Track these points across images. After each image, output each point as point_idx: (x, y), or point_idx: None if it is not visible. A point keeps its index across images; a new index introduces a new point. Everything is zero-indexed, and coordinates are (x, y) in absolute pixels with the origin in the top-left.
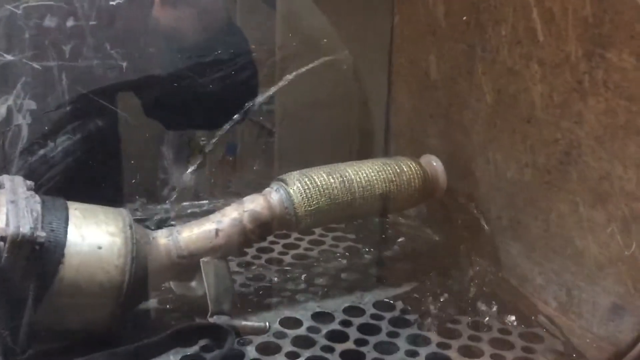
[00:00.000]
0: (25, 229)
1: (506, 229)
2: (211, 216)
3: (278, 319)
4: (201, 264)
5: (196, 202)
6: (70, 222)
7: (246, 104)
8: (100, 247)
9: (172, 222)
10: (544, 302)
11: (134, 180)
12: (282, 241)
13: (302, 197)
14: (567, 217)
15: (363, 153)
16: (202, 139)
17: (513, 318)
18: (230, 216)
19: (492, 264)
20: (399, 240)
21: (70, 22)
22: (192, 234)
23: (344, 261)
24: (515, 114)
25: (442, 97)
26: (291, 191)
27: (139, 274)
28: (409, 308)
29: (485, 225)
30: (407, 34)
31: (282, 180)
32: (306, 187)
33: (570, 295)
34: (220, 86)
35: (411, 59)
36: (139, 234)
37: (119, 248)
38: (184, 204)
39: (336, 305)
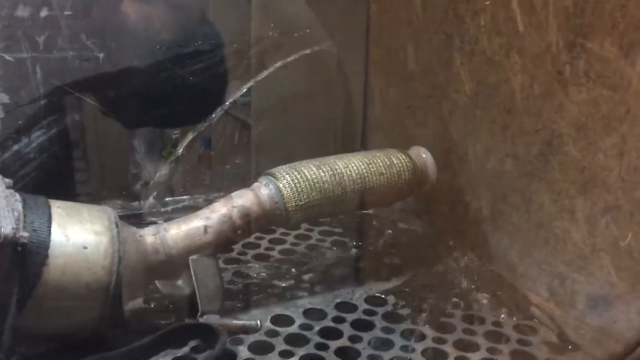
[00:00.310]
0: (7, 229)
1: (489, 220)
2: (199, 212)
3: (269, 317)
4: (190, 262)
5: (178, 198)
6: (53, 222)
7: (218, 101)
8: (85, 247)
9: (152, 219)
10: (536, 293)
11: (111, 176)
12: (268, 236)
13: (292, 192)
14: (550, 208)
15: (341, 145)
16: (175, 132)
17: (506, 310)
18: (219, 212)
19: (479, 255)
20: (386, 233)
21: (44, 12)
22: (180, 231)
23: (332, 256)
24: (495, 104)
25: (420, 88)
26: (281, 185)
27: (126, 274)
28: (401, 302)
29: (469, 217)
30: (384, 24)
31: (271, 174)
32: (296, 181)
33: (561, 286)
34: (186, 83)
35: (388, 50)
36: (125, 233)
37: (105, 248)
38: (165, 199)
39: (327, 301)
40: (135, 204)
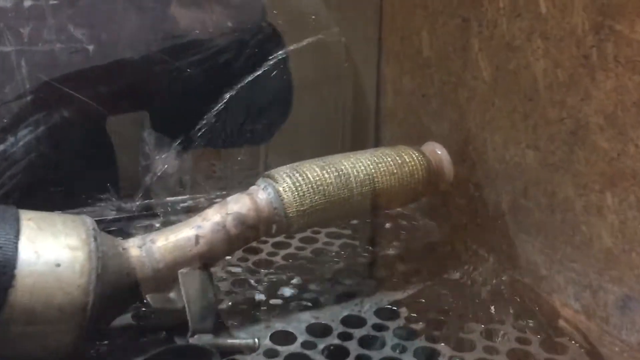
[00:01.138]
0: None
1: (509, 216)
2: (190, 220)
3: (269, 334)
4: (179, 276)
5: (178, 198)
6: (22, 236)
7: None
8: (58, 265)
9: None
10: (562, 301)
11: (106, 178)
12: (271, 240)
13: (294, 196)
14: (575, 202)
15: (353, 138)
16: None
17: (531, 323)
18: (212, 220)
19: (499, 257)
20: (399, 233)
21: (28, 2)
22: (169, 242)
23: (340, 262)
24: (516, 91)
25: (436, 76)
26: (280, 189)
27: (107, 292)
28: (415, 316)
29: (487, 213)
30: (398, 9)
31: (270, 177)
32: (298, 184)
33: (589, 293)
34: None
35: (402, 36)
36: (105, 246)
37: (81, 264)
38: (164, 200)
39: (333, 314)
40: (129, 205)
